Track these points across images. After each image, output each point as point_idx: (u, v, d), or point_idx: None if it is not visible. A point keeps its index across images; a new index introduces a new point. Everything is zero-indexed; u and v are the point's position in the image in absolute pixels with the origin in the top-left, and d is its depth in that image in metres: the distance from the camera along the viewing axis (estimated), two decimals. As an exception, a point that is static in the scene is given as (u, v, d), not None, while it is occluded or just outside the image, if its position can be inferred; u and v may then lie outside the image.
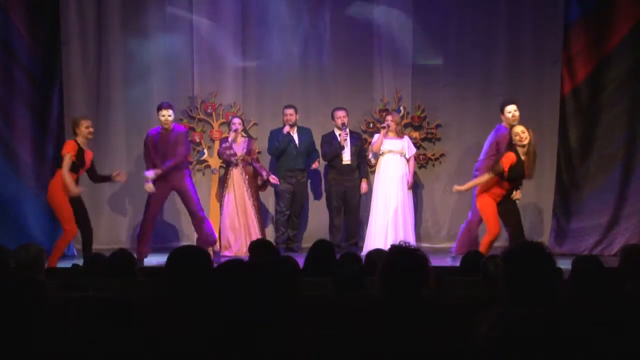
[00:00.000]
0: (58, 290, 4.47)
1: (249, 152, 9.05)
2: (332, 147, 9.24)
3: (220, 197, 9.07)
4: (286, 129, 9.24)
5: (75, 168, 7.89)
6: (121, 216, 9.77)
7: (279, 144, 9.23)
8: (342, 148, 9.22)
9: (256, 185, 9.12)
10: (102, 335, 2.78)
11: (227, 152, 8.95)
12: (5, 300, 2.92)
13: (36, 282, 3.06)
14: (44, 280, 4.55)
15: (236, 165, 8.97)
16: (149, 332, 2.84)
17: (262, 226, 9.12)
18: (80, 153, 7.89)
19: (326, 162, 9.42)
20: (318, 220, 9.71)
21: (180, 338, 2.86)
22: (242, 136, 9.15)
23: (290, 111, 9.26)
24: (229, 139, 8.97)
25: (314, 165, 9.29)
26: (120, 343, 2.77)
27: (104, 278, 4.78)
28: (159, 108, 8.41)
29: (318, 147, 9.41)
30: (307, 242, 9.27)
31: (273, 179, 8.95)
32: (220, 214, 9.01)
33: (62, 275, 5.37)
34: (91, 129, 7.98)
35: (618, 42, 9.08)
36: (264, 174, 8.98)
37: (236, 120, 9.06)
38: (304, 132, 9.39)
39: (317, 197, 9.81)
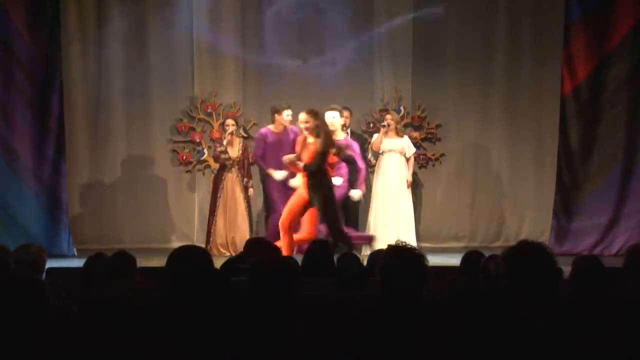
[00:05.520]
0: (58, 290, 4.46)
1: (243, 153, 9.01)
2: None
3: (214, 198, 9.00)
4: None
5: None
6: (122, 216, 9.77)
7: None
8: None
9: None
10: (102, 335, 2.78)
11: (222, 156, 8.89)
12: (5, 300, 2.92)
13: (36, 282, 3.06)
14: (44, 280, 4.55)
15: (230, 169, 8.93)
16: (149, 332, 2.84)
17: (252, 227, 9.06)
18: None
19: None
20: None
21: (180, 338, 2.86)
22: (238, 136, 9.10)
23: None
24: (224, 142, 8.90)
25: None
26: (121, 343, 2.77)
27: (104, 278, 4.77)
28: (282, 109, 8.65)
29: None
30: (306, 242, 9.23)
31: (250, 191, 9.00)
32: (214, 214, 8.94)
33: (62, 275, 5.37)
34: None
35: (618, 42, 9.07)
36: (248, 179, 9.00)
37: (229, 122, 8.92)
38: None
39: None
